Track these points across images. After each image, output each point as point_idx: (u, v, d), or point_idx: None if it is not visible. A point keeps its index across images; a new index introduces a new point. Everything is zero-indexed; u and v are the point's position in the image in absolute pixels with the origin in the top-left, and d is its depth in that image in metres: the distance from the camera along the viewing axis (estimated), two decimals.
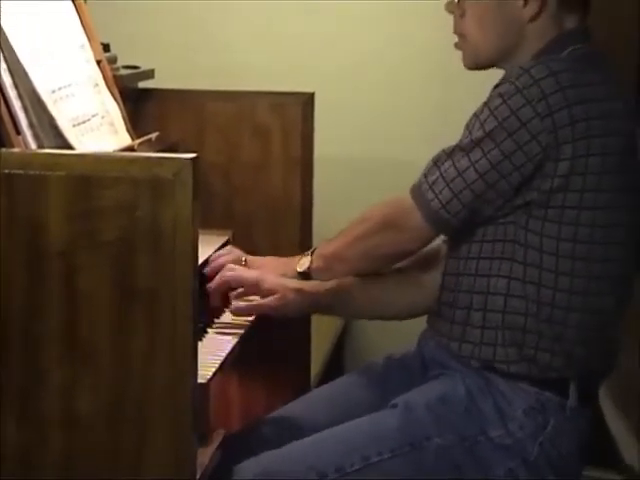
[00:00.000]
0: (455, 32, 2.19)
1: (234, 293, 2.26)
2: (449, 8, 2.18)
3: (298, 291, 2.23)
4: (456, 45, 2.19)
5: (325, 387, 2.45)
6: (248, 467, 2.05)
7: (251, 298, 2.27)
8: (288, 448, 2.07)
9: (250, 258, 2.34)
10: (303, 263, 2.24)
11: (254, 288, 2.23)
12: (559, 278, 2.04)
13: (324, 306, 2.30)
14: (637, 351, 2.31)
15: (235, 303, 2.23)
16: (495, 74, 2.15)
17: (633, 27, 2.98)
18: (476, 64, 2.19)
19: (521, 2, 2.10)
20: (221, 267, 2.28)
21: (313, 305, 2.28)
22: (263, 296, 2.22)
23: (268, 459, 2.06)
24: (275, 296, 2.21)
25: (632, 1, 2.98)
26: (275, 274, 2.26)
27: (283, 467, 2.04)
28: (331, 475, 2.03)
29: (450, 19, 2.18)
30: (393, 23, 3.65)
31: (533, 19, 2.11)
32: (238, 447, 2.19)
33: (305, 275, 2.23)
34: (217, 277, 2.24)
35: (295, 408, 2.33)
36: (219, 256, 2.32)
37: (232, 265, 2.27)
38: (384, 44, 3.67)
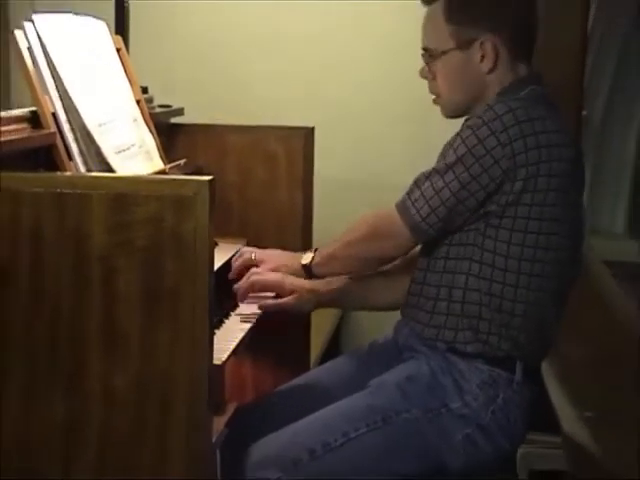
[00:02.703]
0: (431, 92, 2.17)
1: (256, 294, 2.24)
2: (423, 74, 2.16)
3: (312, 291, 2.23)
4: (434, 102, 2.18)
5: (321, 367, 2.45)
6: (251, 453, 2.04)
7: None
8: (282, 432, 2.06)
9: (259, 252, 2.31)
10: (307, 257, 2.21)
11: (277, 289, 2.22)
12: (507, 275, 2.02)
13: (330, 301, 2.31)
14: (573, 337, 2.30)
15: (263, 302, 2.22)
16: None
17: (576, 77, 2.98)
18: (452, 114, 2.17)
19: (478, 59, 2.08)
20: (239, 269, 2.27)
21: (322, 301, 2.28)
22: (285, 295, 2.21)
23: (266, 445, 2.04)
24: (294, 295, 2.21)
25: (575, 56, 2.98)
26: (287, 270, 2.24)
27: (280, 449, 2.02)
28: (319, 451, 2.01)
29: None
30: (387, 65, 3.66)
31: (491, 71, 2.09)
32: (249, 416, 2.18)
33: (306, 267, 2.20)
34: (244, 280, 2.23)
35: (296, 385, 2.31)
36: (235, 260, 2.31)
37: (257, 269, 2.25)
38: (377, 83, 3.68)
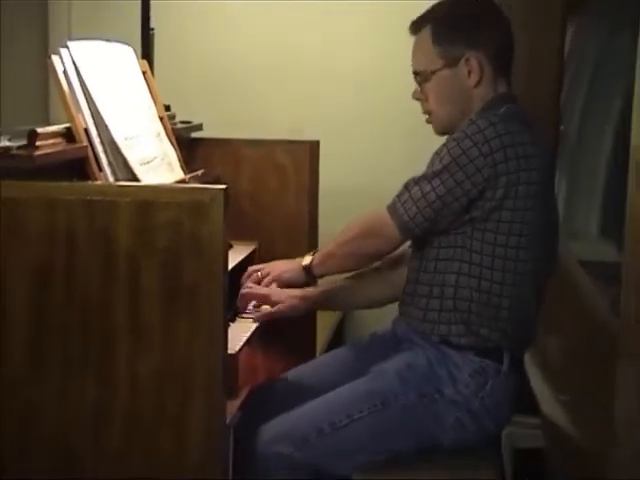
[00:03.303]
0: (424, 112, 2.17)
1: (252, 303, 2.24)
2: (415, 96, 2.16)
3: (301, 297, 2.22)
4: (427, 121, 2.17)
5: (325, 355, 2.44)
6: (264, 432, 2.03)
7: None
8: (293, 413, 2.06)
9: (263, 267, 2.29)
10: (306, 259, 2.21)
11: (265, 300, 2.22)
12: (494, 273, 2.02)
13: (319, 304, 2.30)
14: (552, 330, 2.30)
15: (255, 313, 2.20)
16: None
17: (554, 96, 2.98)
18: (443, 131, 2.16)
19: (466, 74, 2.08)
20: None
21: (312, 305, 2.27)
22: (272, 306, 2.20)
23: (278, 424, 2.04)
24: (283, 304, 2.19)
25: (553, 77, 2.98)
26: (290, 275, 2.23)
27: (290, 428, 2.02)
28: (326, 430, 2.01)
29: None
30: (385, 83, 3.64)
31: (477, 84, 2.09)
32: (260, 399, 2.19)
33: (306, 268, 2.20)
34: (240, 294, 2.24)
35: (302, 371, 2.31)
36: (245, 279, 2.29)
37: (250, 284, 2.24)
38: (376, 97, 3.66)
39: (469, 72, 2.08)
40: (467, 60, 2.07)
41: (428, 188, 2.01)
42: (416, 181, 2.04)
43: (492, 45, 2.09)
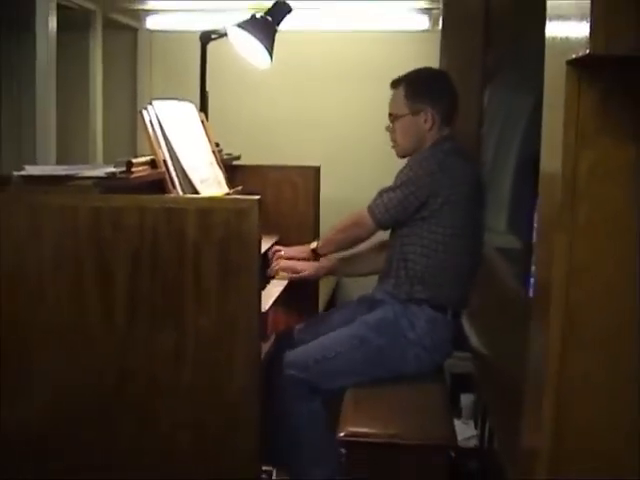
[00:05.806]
0: (391, 140, 2.18)
1: (285, 274, 2.25)
2: (388, 129, 2.17)
3: (318, 267, 2.24)
4: (392, 147, 2.18)
5: (325, 312, 2.46)
6: (283, 361, 2.02)
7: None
8: (300, 349, 2.05)
9: (285, 249, 2.32)
10: (313, 244, 2.24)
11: (296, 269, 2.23)
12: (438, 254, 2.03)
13: (330, 272, 2.31)
14: (478, 294, 2.28)
15: (289, 276, 2.23)
16: None
17: (476, 135, 2.95)
18: (402, 155, 2.17)
19: (423, 121, 2.09)
20: (276, 260, 2.28)
21: (325, 272, 2.29)
22: (299, 272, 2.22)
23: (290, 356, 2.04)
24: (306, 271, 2.22)
25: (475, 121, 2.95)
26: (303, 254, 2.25)
27: (296, 358, 2.03)
28: (320, 359, 2.02)
29: None
30: (363, 135, 3.61)
31: (430, 129, 2.09)
32: (282, 343, 2.17)
33: (314, 250, 2.23)
34: (276, 266, 2.24)
35: (311, 322, 2.31)
36: (272, 254, 2.31)
37: (284, 260, 2.26)
38: (357, 144, 3.63)
39: (425, 120, 2.09)
40: (425, 113, 2.08)
41: (392, 195, 2.02)
42: (385, 190, 2.06)
43: (442, 105, 2.11)
